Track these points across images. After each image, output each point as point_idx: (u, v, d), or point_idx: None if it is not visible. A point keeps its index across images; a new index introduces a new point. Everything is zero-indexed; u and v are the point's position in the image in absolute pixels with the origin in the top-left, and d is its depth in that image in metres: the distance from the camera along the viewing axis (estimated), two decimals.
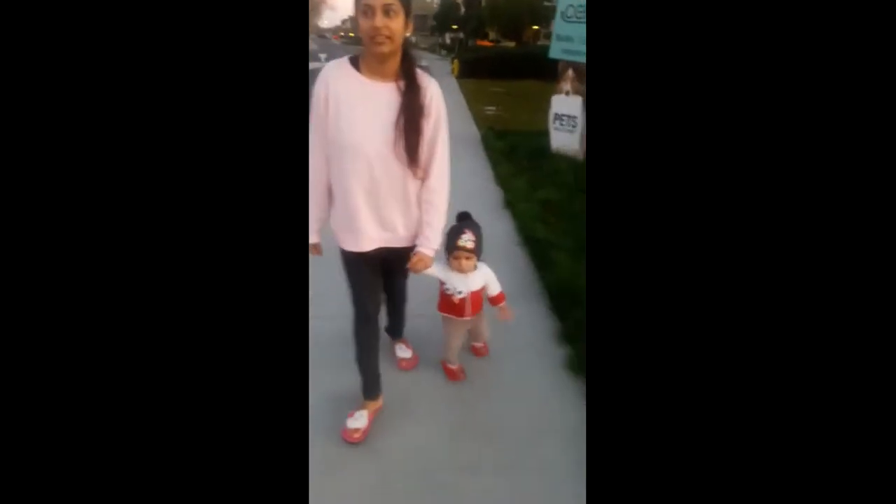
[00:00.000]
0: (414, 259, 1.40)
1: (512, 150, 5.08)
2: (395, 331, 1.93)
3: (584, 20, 4.41)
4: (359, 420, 1.57)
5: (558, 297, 2.26)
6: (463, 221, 1.69)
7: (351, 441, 1.53)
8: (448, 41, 33.02)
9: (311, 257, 1.41)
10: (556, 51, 4.81)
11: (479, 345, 1.97)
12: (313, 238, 1.43)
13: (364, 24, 1.14)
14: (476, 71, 14.16)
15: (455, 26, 33.60)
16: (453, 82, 12.64)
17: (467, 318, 1.72)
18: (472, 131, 6.40)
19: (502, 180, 4.16)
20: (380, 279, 1.55)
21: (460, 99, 9.46)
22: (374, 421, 1.60)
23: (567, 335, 2.04)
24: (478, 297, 1.72)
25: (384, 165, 1.26)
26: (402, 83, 1.25)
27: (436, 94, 1.29)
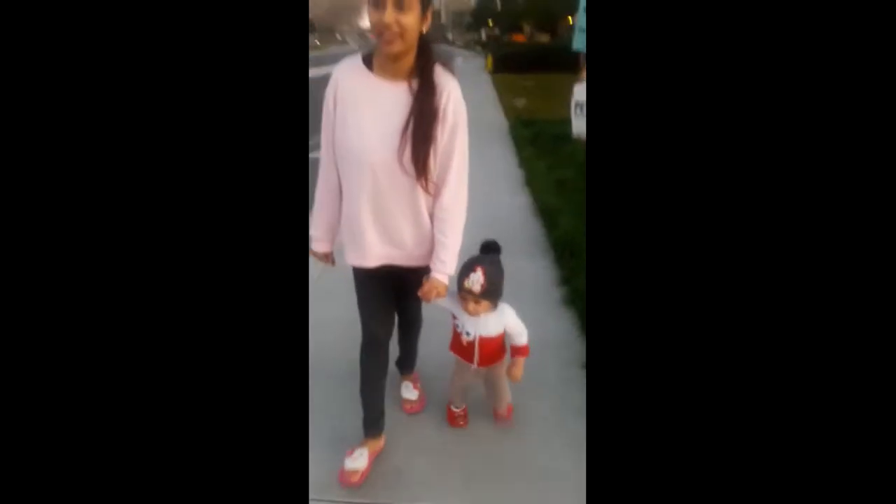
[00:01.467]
0: (426, 286, 1.22)
1: (536, 137, 5.49)
2: (405, 363, 1.67)
3: None
4: (358, 460, 1.37)
5: (560, 251, 2.69)
6: (481, 255, 1.38)
7: (349, 485, 1.33)
8: (484, 37, 33.32)
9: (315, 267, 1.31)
10: (579, 42, 5.14)
11: (499, 410, 1.58)
12: (325, 247, 1.32)
13: (373, 17, 0.99)
14: (508, 66, 14.51)
15: (491, 22, 33.87)
16: (488, 78, 13.10)
17: (476, 368, 1.45)
18: (502, 121, 6.86)
19: (524, 163, 4.59)
20: (391, 301, 1.37)
21: (492, 93, 9.93)
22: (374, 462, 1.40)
23: (564, 279, 2.47)
24: (492, 346, 1.42)
25: (390, 176, 1.11)
26: (414, 83, 1.09)
27: (454, 96, 1.10)
